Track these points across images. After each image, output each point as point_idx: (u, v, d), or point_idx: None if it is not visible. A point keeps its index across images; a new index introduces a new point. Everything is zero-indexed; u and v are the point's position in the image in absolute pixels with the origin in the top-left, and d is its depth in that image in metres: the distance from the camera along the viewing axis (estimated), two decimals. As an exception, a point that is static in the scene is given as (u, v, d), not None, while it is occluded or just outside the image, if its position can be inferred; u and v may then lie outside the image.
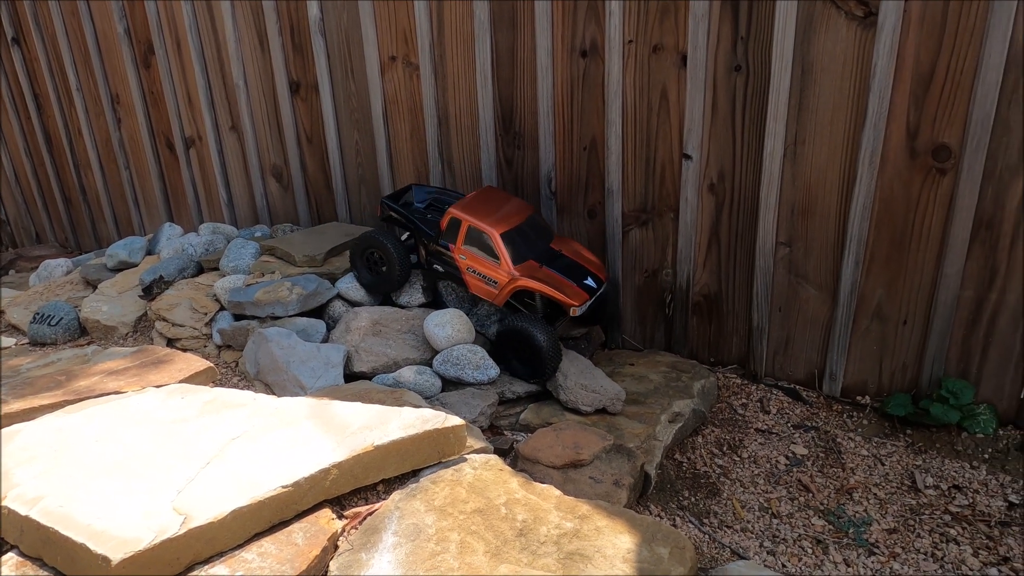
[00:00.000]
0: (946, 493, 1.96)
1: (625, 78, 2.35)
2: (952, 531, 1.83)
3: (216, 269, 2.71)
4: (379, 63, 2.84)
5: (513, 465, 1.79)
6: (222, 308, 2.43)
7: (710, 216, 2.36)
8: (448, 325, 2.09)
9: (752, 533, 1.84)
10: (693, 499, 1.95)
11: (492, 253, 2.16)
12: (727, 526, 1.86)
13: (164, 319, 2.43)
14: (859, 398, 2.30)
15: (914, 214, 2.06)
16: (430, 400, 1.95)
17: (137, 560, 1.21)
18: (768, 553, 1.76)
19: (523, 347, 2.10)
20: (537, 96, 2.53)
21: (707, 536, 1.79)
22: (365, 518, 1.45)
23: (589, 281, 2.18)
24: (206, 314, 2.42)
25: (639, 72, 2.32)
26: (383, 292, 2.39)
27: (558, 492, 1.53)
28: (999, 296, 2.02)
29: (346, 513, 1.46)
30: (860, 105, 2.02)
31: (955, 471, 2.02)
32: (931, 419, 2.10)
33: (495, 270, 2.16)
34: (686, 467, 2.07)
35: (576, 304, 2.09)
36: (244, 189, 3.50)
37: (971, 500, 1.92)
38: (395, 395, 1.86)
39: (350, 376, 2.10)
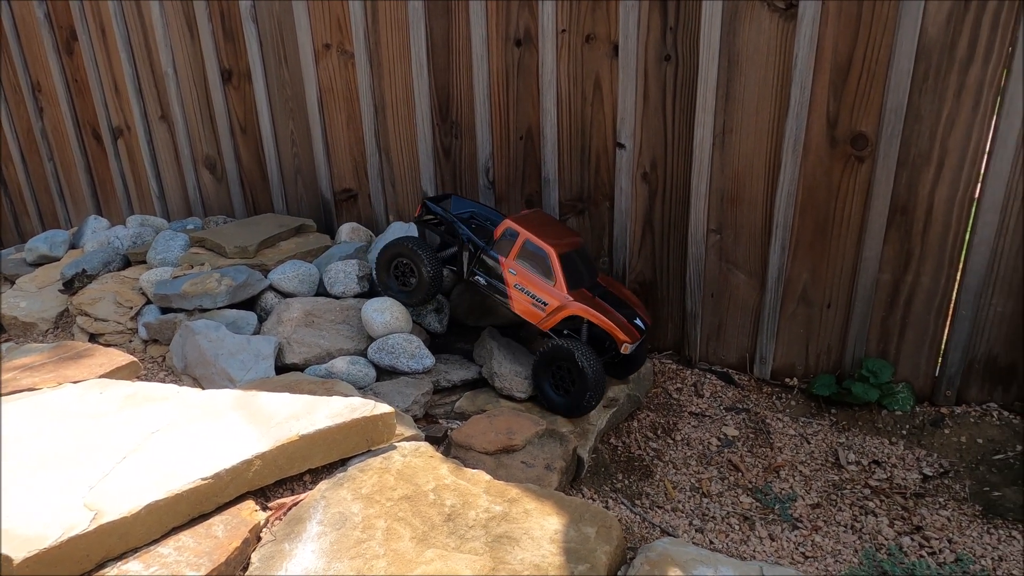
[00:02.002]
0: (866, 468, 2.04)
1: (559, 67, 2.37)
2: (871, 504, 1.90)
3: (144, 262, 2.62)
4: (313, 51, 2.79)
5: (447, 452, 1.79)
6: (148, 301, 2.35)
7: (644, 204, 2.40)
8: (387, 311, 2.07)
9: (682, 512, 1.88)
10: (627, 481, 1.98)
11: (547, 273, 2.00)
12: (659, 506, 1.89)
13: (86, 314, 2.33)
14: (788, 380, 2.37)
15: (835, 201, 2.13)
16: (363, 390, 1.92)
17: (42, 558, 1.16)
18: (696, 531, 1.80)
19: (564, 372, 1.95)
20: (473, 85, 2.52)
21: (639, 516, 1.82)
22: (290, 509, 1.42)
23: (638, 321, 2.05)
24: (131, 308, 2.33)
25: (573, 61, 2.34)
26: (411, 304, 2.18)
27: (488, 477, 1.53)
28: (914, 279, 2.11)
29: (271, 504, 1.43)
30: (783, 95, 2.08)
31: (875, 447, 2.10)
32: (853, 398, 2.18)
33: (547, 291, 2.00)
34: (621, 451, 2.10)
35: (630, 341, 1.96)
36: (176, 181, 3.39)
37: (889, 474, 2.00)
38: (326, 385, 1.84)
39: (282, 368, 2.06)
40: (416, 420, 1.93)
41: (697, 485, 1.99)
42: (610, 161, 2.40)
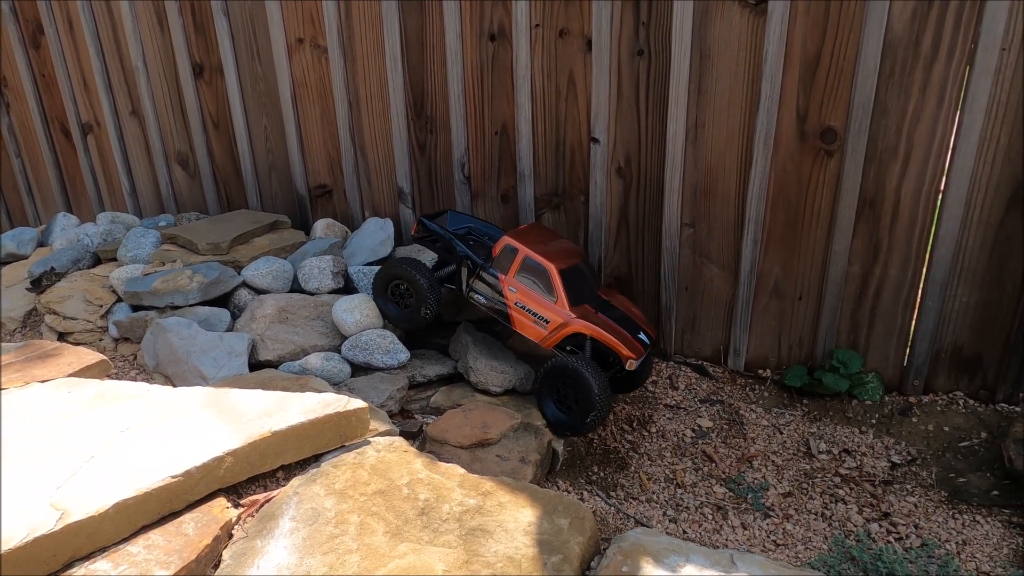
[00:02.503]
0: (837, 457, 2.08)
1: (533, 62, 2.37)
2: (841, 491, 1.94)
3: (114, 260, 2.58)
4: (286, 45, 2.76)
5: (422, 447, 1.79)
6: (119, 299, 2.32)
7: (619, 199, 2.41)
8: (356, 310, 2.06)
9: (657, 503, 1.90)
10: (602, 473, 2.00)
11: (548, 290, 1.96)
12: (633, 498, 1.91)
13: (55, 312, 2.29)
14: (761, 372, 2.40)
15: (805, 194, 2.16)
16: (338, 386, 1.92)
17: (7, 559, 1.15)
18: (670, 521, 1.82)
19: (569, 390, 1.90)
20: (447, 80, 2.52)
21: (613, 508, 1.84)
22: (262, 505, 1.41)
23: (642, 336, 2.01)
24: (101, 306, 2.30)
25: (547, 56, 2.35)
26: (410, 327, 2.14)
27: (462, 471, 1.54)
28: (882, 271, 2.15)
29: (243, 501, 1.43)
30: (754, 90, 2.10)
31: (846, 436, 2.14)
32: (824, 388, 2.22)
33: (549, 309, 1.96)
34: (596, 443, 2.12)
35: (634, 357, 1.91)
36: (148, 177, 3.34)
37: (859, 462, 2.04)
38: (300, 382, 1.83)
39: (256, 365, 2.05)
40: (391, 415, 1.93)
41: (672, 476, 2.01)
42: (585, 156, 2.41)
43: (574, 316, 1.94)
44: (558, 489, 1.86)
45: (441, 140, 2.63)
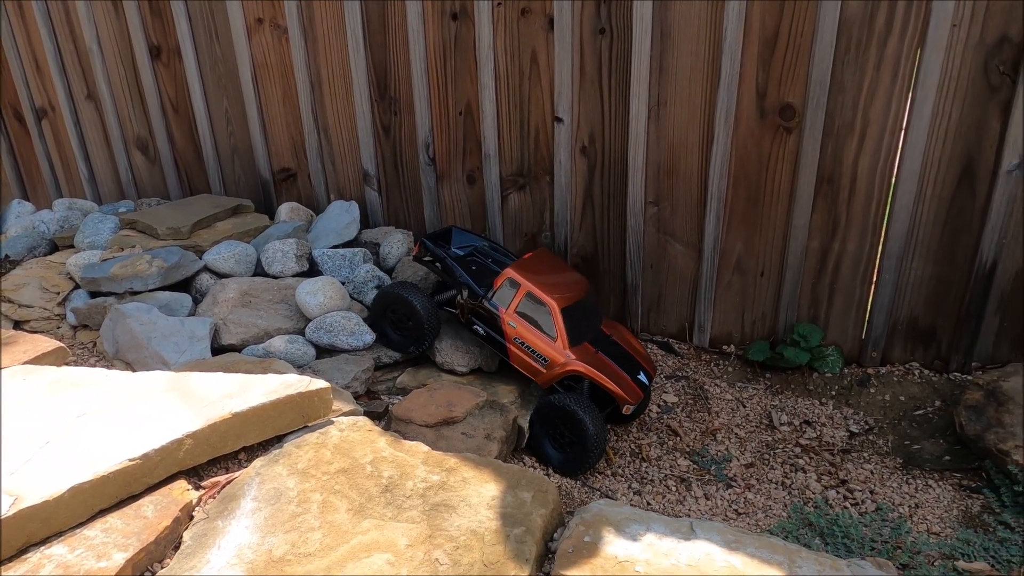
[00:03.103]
0: (798, 428, 2.12)
1: (496, 41, 2.36)
2: (801, 461, 1.99)
3: (71, 247, 2.52)
4: (245, 26, 2.71)
5: (387, 427, 1.79)
6: (77, 286, 2.27)
7: (583, 178, 2.42)
8: (320, 293, 2.04)
9: (622, 476, 1.92)
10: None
11: (548, 328, 1.91)
12: (599, 472, 1.94)
13: (9, 300, 2.24)
14: (725, 347, 2.44)
15: (766, 171, 2.19)
16: (302, 369, 1.91)
17: (-42, 546, 1.13)
18: (635, 493, 1.85)
19: (564, 431, 1.85)
20: (410, 60, 2.49)
21: (579, 482, 1.86)
22: (224, 487, 1.40)
23: (642, 376, 1.96)
24: (59, 293, 2.25)
25: (509, 35, 2.33)
26: (411, 353, 2.08)
27: (426, 448, 1.54)
28: (841, 246, 2.19)
29: (204, 483, 1.42)
30: (714, 67, 2.12)
31: (806, 408, 2.19)
32: (785, 362, 2.26)
33: (548, 348, 1.90)
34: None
35: (631, 402, 1.88)
36: (106, 163, 3.26)
37: (819, 433, 2.09)
38: (263, 365, 1.81)
39: (219, 349, 2.02)
40: (357, 397, 1.92)
41: (637, 450, 2.04)
42: (549, 135, 2.41)
43: (573, 357, 1.88)
44: (524, 465, 1.87)
45: (405, 121, 2.61)
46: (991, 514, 1.64)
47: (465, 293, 2.02)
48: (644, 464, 1.99)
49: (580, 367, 1.87)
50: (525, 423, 1.90)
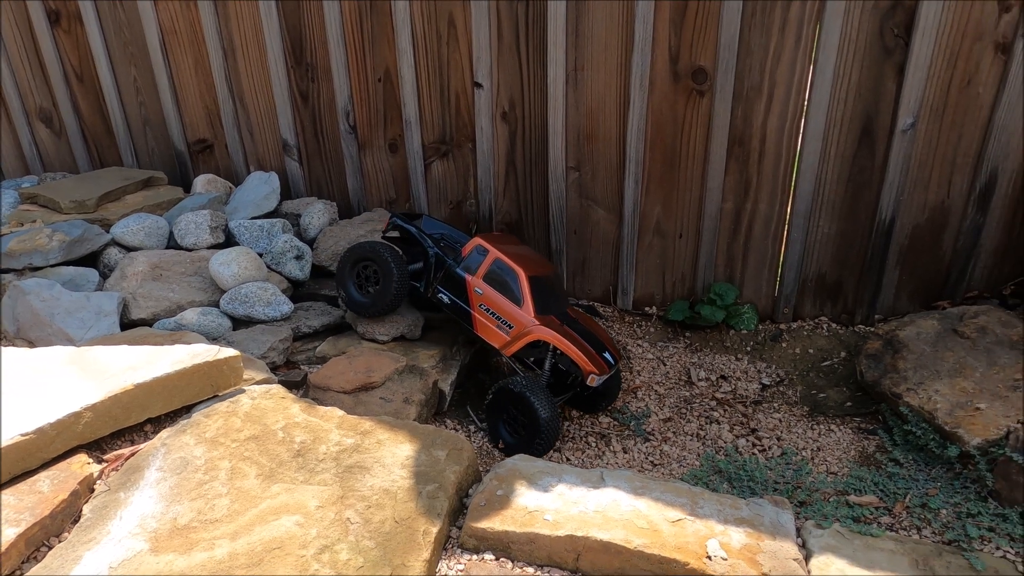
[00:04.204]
0: (714, 383, 2.20)
1: (412, 6, 2.32)
2: (715, 414, 2.06)
3: (-32, 224, 2.38)
4: (150, -12, 2.58)
5: (306, 395, 1.78)
6: (-27, 265, 2.15)
7: (505, 144, 2.42)
8: (234, 263, 1.99)
9: (543, 435, 1.96)
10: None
11: (514, 295, 1.89)
12: (521, 432, 1.97)
13: (-102, 281, 2.10)
14: (647, 309, 2.50)
15: (681, 135, 2.23)
16: (216, 341, 1.86)
17: None
18: (555, 451, 1.90)
19: (517, 415, 1.82)
20: (325, 24, 2.43)
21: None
22: (128, 459, 1.37)
23: (607, 356, 1.92)
24: (-47, 273, 2.12)
25: (425, -1, 2.30)
26: (370, 315, 2.00)
27: (341, 413, 1.54)
28: (753, 206, 2.26)
29: (106, 457, 1.38)
30: (628, 31, 2.14)
31: (723, 364, 2.27)
32: (703, 320, 2.33)
33: (513, 314, 1.87)
34: (488, 385, 2.15)
35: (597, 372, 1.82)
36: (7, 137, 3.08)
37: (733, 387, 2.17)
38: (173, 338, 1.76)
39: (129, 325, 1.96)
40: (276, 367, 1.90)
41: (559, 410, 2.08)
42: (470, 101, 2.39)
43: (538, 324, 1.86)
44: (446, 427, 1.89)
45: (324, 88, 2.55)
46: (884, 453, 1.74)
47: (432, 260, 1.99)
48: (566, 423, 2.03)
49: (544, 333, 1.85)
50: (447, 387, 1.91)
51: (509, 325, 1.89)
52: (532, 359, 2.00)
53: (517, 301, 1.89)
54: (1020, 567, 1.27)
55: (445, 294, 1.97)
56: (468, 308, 1.95)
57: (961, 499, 1.48)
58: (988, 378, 1.72)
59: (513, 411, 1.84)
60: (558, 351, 1.89)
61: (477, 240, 1.97)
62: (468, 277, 1.94)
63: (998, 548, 1.32)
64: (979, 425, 1.58)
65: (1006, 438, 1.53)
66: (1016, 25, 1.85)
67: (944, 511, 1.45)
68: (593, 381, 1.84)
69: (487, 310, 1.92)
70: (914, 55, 1.94)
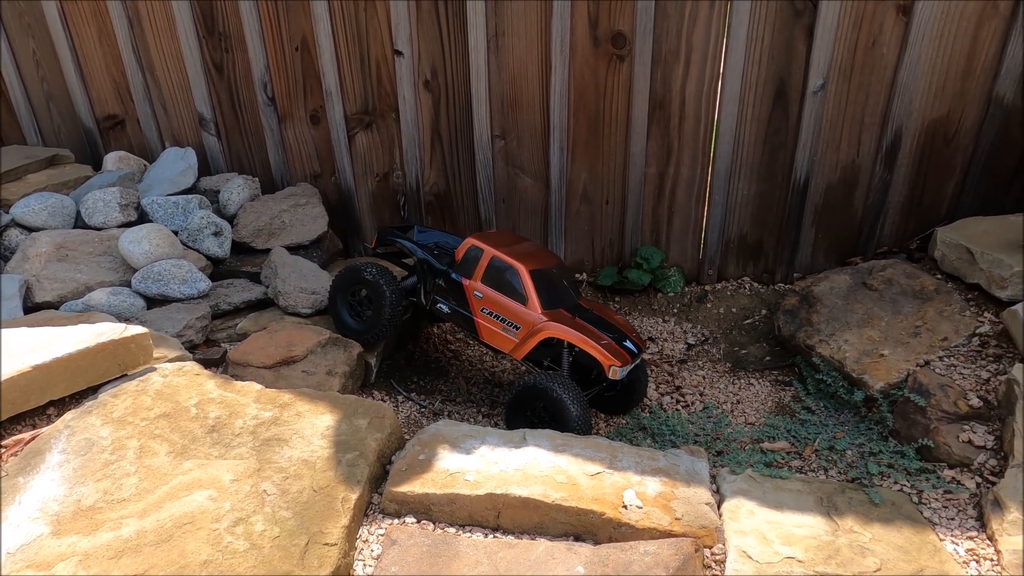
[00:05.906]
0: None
1: (326, -31, 2.24)
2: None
3: None
4: (43, -47, 2.43)
5: (225, 372, 1.73)
6: None
7: (429, 114, 2.38)
8: (145, 240, 1.92)
9: (472, 402, 1.97)
10: (422, 382, 2.04)
11: (517, 293, 1.74)
12: (451, 400, 1.97)
13: None
14: (578, 275, 2.52)
15: (603, 100, 2.24)
16: (129, 321, 1.79)
17: None
18: (484, 416, 1.91)
19: (543, 412, 1.66)
20: (236, -10, 2.33)
21: (427, 410, 1.89)
22: (28, 443, 1.31)
23: (629, 344, 1.76)
24: None
25: (339, -37, 2.23)
26: (368, 342, 1.87)
27: (259, 387, 1.51)
28: (675, 170, 2.30)
29: (5, 442, 1.32)
30: (547, -5, 2.12)
31: (651, 326, 2.31)
32: (631, 284, 2.37)
33: (518, 313, 1.73)
34: (418, 355, 2.15)
35: (618, 364, 1.66)
36: None
37: (661, 347, 2.22)
38: (81, 319, 1.69)
39: (33, 308, 1.86)
40: (195, 346, 1.84)
41: (490, 377, 2.09)
42: (391, 70, 2.34)
43: (546, 320, 1.70)
44: (373, 398, 1.88)
45: (239, 59, 2.45)
46: (798, 402, 1.82)
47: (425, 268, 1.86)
48: (496, 389, 2.04)
49: (555, 329, 1.69)
50: (373, 359, 1.89)
51: (516, 326, 1.75)
52: (548, 360, 1.84)
53: (521, 299, 1.74)
54: (915, 498, 1.34)
55: (444, 303, 1.84)
56: (470, 315, 1.80)
57: (865, 440, 1.55)
58: (892, 326, 1.80)
59: (536, 410, 1.68)
60: (574, 347, 1.75)
61: (470, 240, 1.83)
62: (465, 281, 1.81)
63: (896, 483, 1.40)
64: (882, 370, 1.66)
65: (905, 380, 1.61)
66: (915, -14, 1.92)
67: (849, 452, 1.53)
68: (615, 374, 1.68)
69: (490, 313, 1.78)
70: (822, 17, 1.99)
